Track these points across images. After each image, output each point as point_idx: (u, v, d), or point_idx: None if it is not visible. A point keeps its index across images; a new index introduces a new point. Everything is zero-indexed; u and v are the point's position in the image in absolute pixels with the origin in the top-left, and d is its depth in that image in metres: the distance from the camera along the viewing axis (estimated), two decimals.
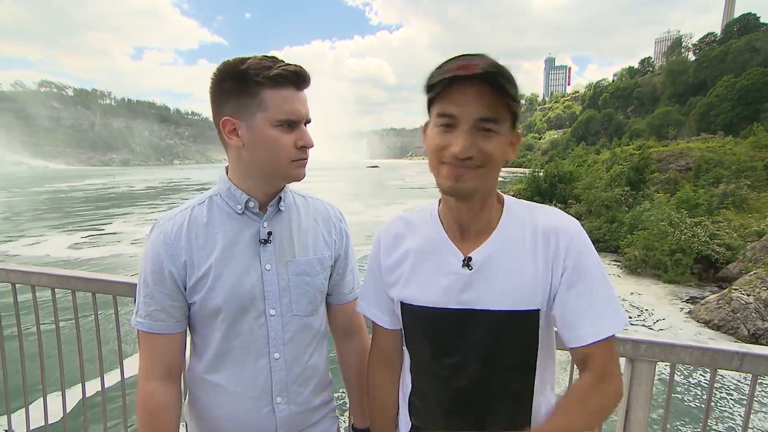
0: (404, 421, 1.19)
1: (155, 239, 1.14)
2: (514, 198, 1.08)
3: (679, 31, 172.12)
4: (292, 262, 1.21)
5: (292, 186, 1.26)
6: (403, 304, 1.09)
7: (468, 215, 1.01)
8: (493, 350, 0.98)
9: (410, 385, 1.15)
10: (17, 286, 2.22)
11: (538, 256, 0.97)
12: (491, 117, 0.87)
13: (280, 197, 1.21)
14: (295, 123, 1.09)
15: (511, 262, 0.98)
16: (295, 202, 1.28)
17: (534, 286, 0.96)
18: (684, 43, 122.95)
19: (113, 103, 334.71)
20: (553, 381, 1.09)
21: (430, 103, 0.93)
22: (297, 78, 1.08)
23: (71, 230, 28.33)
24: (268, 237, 1.18)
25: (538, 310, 0.97)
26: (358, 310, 1.25)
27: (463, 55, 0.85)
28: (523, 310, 0.96)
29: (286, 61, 1.08)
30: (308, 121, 1.12)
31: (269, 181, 1.16)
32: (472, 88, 0.85)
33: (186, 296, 1.16)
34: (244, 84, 1.05)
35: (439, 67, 0.87)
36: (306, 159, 1.14)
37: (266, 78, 1.04)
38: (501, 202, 1.05)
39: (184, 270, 1.13)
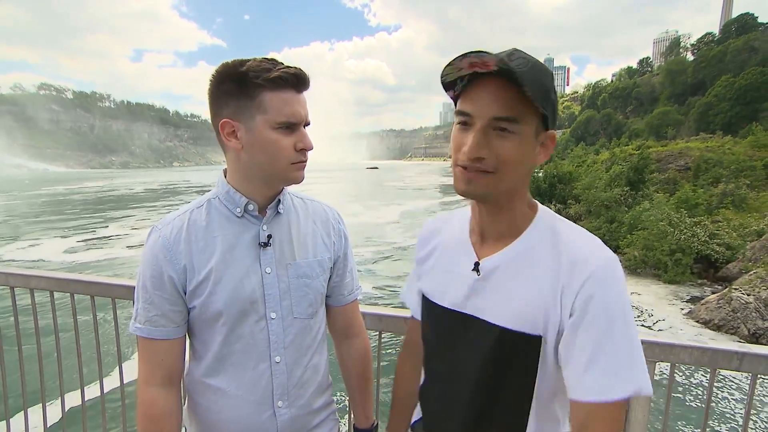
0: (417, 411, 1.19)
1: (154, 243, 1.13)
2: (551, 212, 0.98)
3: (677, 32, 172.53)
4: (292, 264, 1.20)
5: (291, 188, 1.26)
6: (423, 297, 1.09)
7: (487, 218, 0.96)
8: (484, 365, 0.93)
9: (423, 377, 1.14)
10: (16, 289, 2.21)
11: (550, 281, 0.86)
12: (508, 116, 0.81)
13: (279, 200, 1.20)
14: (294, 125, 1.08)
15: (520, 278, 0.90)
16: (293, 204, 1.27)
17: (538, 310, 0.86)
18: (682, 43, 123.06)
19: (113, 106, 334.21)
20: (561, 423, 0.98)
21: (455, 100, 0.90)
22: (297, 80, 1.07)
23: (67, 234, 28.12)
24: (268, 240, 1.17)
25: (539, 337, 0.87)
26: (400, 297, 1.25)
27: (475, 51, 0.79)
28: (521, 332, 0.88)
29: (286, 64, 1.08)
30: (307, 124, 1.12)
31: (268, 183, 1.16)
32: (490, 84, 0.81)
33: (186, 301, 1.14)
34: (244, 86, 1.04)
35: (451, 63, 0.81)
36: (305, 161, 1.13)
37: (266, 80, 1.04)
38: (534, 210, 0.96)
39: (184, 274, 1.12)
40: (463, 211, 1.10)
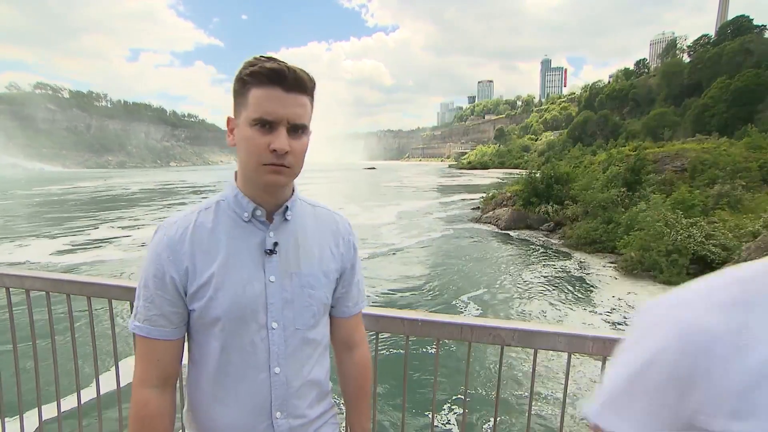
0: None
1: (158, 242, 1.12)
2: None
3: (673, 33, 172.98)
4: (297, 274, 1.17)
5: (301, 193, 1.25)
6: None
7: None
8: None
9: None
10: (11, 290, 2.21)
11: None
12: None
13: (287, 206, 1.18)
14: (271, 124, 1.04)
15: None
16: (303, 211, 1.24)
17: None
18: (679, 45, 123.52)
19: (109, 105, 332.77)
20: None
21: None
22: (277, 76, 1.03)
23: (58, 235, 27.66)
24: (274, 247, 1.14)
25: None
26: (594, 419, 0.71)
27: None
28: None
29: (279, 61, 1.05)
30: (297, 126, 1.07)
31: (256, 185, 1.13)
32: None
33: (186, 303, 1.13)
34: (239, 83, 1.06)
35: None
36: (281, 165, 1.06)
37: (247, 75, 1.04)
38: None
39: (185, 276, 1.11)
40: None
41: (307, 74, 1.06)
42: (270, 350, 1.14)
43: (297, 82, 1.05)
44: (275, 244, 1.15)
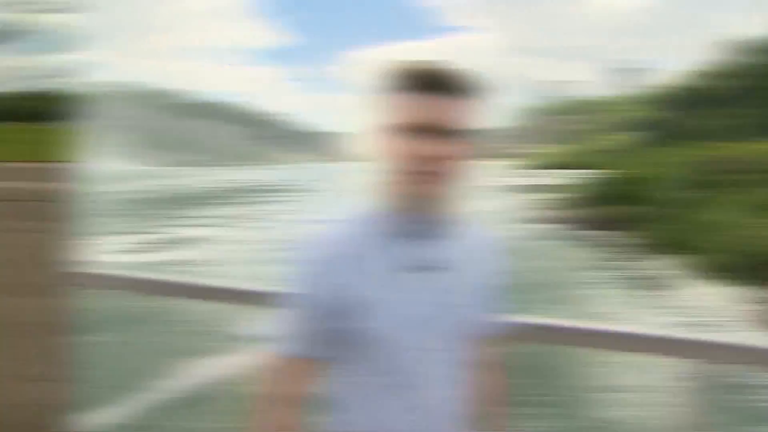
0: None
1: (311, 255, 1.03)
2: None
3: (748, 34, 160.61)
4: (453, 292, 1.07)
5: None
6: None
7: None
8: None
9: None
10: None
11: None
12: None
13: (444, 221, 1.07)
14: (418, 128, 0.94)
15: None
16: (458, 227, 1.14)
17: None
18: (755, 45, 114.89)
19: (186, 104, 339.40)
20: None
21: None
22: (423, 78, 0.95)
23: (133, 232, 27.08)
24: (429, 265, 1.05)
25: None
26: None
27: None
28: None
29: (428, 61, 0.99)
30: (447, 131, 0.95)
31: (407, 197, 1.03)
32: None
33: (334, 321, 1.02)
34: (386, 88, 1.01)
35: None
36: (430, 174, 0.96)
37: (395, 79, 0.98)
38: None
39: (338, 293, 0.99)
40: None
41: (464, 74, 0.97)
42: (423, 373, 1.06)
43: (447, 83, 0.95)
44: (430, 261, 1.05)
